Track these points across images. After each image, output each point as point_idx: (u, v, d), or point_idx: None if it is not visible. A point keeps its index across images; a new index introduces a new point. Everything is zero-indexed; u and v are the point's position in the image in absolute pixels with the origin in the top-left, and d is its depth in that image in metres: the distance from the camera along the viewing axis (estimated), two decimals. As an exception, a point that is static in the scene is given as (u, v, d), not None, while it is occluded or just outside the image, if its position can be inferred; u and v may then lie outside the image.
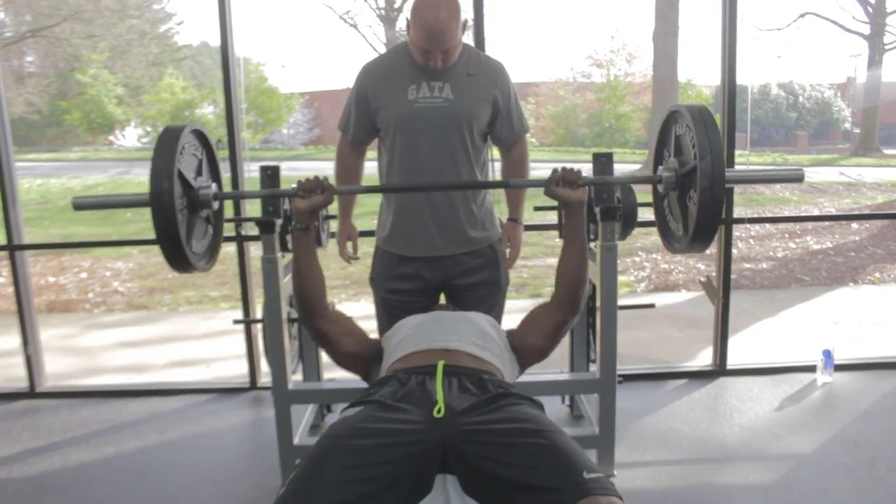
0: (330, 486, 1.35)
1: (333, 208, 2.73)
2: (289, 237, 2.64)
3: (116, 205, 2.04)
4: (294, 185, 1.96)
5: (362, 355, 1.92)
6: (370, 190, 2.22)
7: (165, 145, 1.87)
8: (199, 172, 2.04)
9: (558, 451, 1.40)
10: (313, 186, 1.89)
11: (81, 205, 1.99)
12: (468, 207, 2.34)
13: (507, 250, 2.51)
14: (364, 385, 1.97)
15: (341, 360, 1.94)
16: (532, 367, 1.99)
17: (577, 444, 1.46)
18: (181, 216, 1.90)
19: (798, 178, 1.99)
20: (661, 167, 2.06)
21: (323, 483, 1.35)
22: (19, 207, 3.47)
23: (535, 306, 2.01)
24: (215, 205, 2.07)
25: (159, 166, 1.83)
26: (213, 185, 2.06)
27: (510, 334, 1.96)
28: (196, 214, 2.01)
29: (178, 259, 1.93)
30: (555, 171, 1.91)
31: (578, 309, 1.94)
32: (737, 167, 3.18)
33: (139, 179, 13.29)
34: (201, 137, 2.07)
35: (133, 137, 19.28)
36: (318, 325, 1.91)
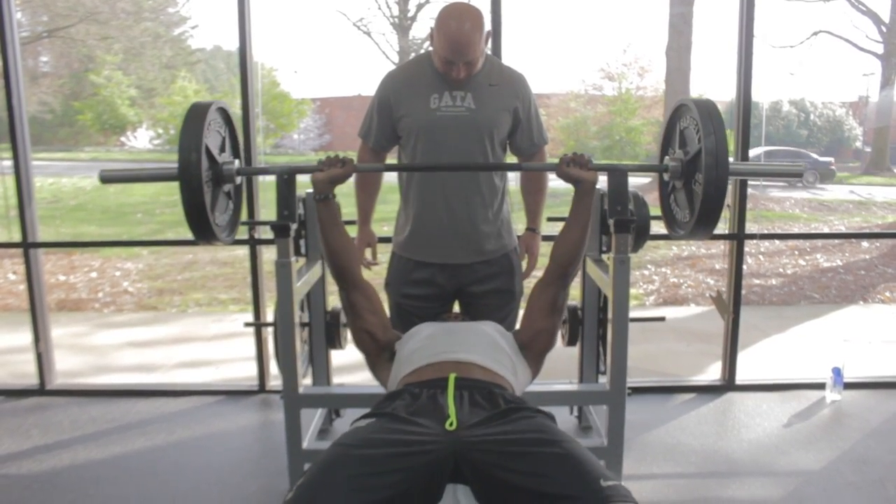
0: (339, 494, 1.35)
1: (350, 213, 2.74)
2: (302, 241, 2.67)
3: (143, 178, 2.06)
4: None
5: (378, 340, 1.97)
6: (390, 168, 2.29)
7: (194, 120, 1.92)
8: (222, 149, 2.09)
9: (574, 459, 1.40)
10: (334, 162, 1.98)
11: (109, 178, 2.01)
12: (486, 217, 2.35)
13: (524, 260, 2.53)
14: (370, 379, 2.02)
15: (357, 335, 1.99)
16: (540, 374, 2.00)
17: (591, 453, 1.46)
18: (206, 188, 1.93)
19: (797, 174, 2.04)
20: (667, 157, 2.13)
21: (332, 490, 1.36)
22: (34, 205, 3.50)
23: (528, 296, 2.05)
24: (237, 179, 2.12)
25: (188, 139, 1.88)
26: (236, 162, 2.11)
27: (517, 333, 1.99)
28: (219, 188, 2.06)
29: (203, 228, 1.95)
30: (565, 154, 2.01)
31: (570, 281, 2.01)
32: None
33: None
34: (225, 115, 2.12)
35: (144, 139, 19.29)
36: (350, 294, 1.98)
